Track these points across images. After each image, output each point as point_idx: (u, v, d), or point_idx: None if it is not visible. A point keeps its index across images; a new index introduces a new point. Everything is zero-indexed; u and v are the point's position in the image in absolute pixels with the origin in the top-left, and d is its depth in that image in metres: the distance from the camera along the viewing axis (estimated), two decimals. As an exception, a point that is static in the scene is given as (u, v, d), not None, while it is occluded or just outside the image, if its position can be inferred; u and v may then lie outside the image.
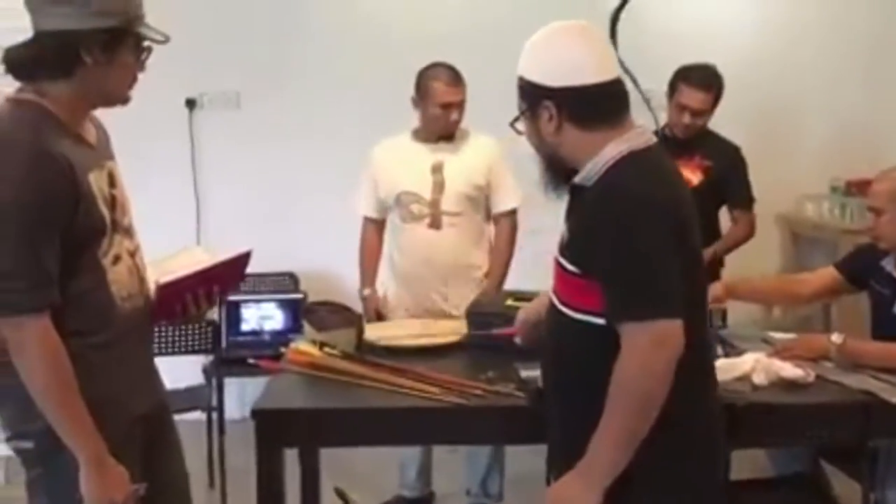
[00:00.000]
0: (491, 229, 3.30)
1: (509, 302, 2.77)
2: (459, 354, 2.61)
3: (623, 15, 3.10)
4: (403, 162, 3.21)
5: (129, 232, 1.90)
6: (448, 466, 3.52)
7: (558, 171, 1.81)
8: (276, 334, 3.99)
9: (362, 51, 4.26)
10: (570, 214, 1.82)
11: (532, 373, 2.25)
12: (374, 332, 2.75)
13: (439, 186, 3.16)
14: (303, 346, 2.54)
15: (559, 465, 1.85)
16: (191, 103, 4.30)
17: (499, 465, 3.33)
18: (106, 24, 1.74)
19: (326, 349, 2.51)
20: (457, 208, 3.16)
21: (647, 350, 1.63)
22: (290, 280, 4.28)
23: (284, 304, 4.06)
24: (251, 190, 4.31)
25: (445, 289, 3.17)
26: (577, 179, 1.77)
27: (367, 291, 3.31)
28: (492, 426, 2.25)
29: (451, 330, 2.77)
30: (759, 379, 2.28)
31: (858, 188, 4.01)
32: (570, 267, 1.76)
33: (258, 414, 2.17)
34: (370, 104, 4.10)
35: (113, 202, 1.84)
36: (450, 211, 3.15)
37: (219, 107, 4.33)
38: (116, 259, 1.84)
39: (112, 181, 1.87)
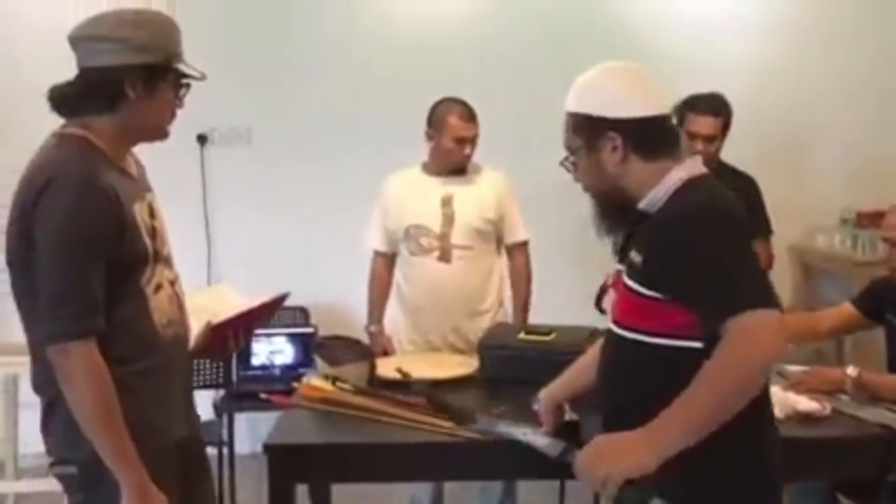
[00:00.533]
0: (501, 263, 3.30)
1: (521, 335, 2.77)
2: (472, 388, 2.60)
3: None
4: (413, 194, 3.22)
5: (168, 262, 1.97)
6: (460, 502, 3.49)
7: (617, 205, 1.83)
8: (287, 369, 3.99)
9: (374, 85, 4.29)
10: (635, 241, 1.80)
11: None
12: (387, 367, 2.74)
13: (449, 219, 3.16)
14: (315, 380, 2.53)
15: None
16: (202, 139, 4.34)
17: (511, 501, 3.30)
18: (147, 59, 1.83)
19: (339, 384, 2.50)
20: (467, 241, 3.15)
21: (754, 335, 1.61)
22: (300, 314, 4.27)
23: (295, 339, 4.06)
24: (262, 225, 4.32)
25: (455, 322, 3.16)
26: (641, 205, 1.79)
27: (373, 328, 3.31)
28: (505, 461, 2.21)
29: (463, 363, 2.76)
30: (774, 413, 2.25)
31: (870, 220, 4.00)
32: (645, 291, 1.74)
33: (270, 449, 2.16)
34: (382, 139, 4.13)
35: (153, 232, 1.91)
36: (459, 244, 3.14)
37: (230, 142, 4.36)
38: (158, 287, 1.90)
39: (152, 212, 1.94)
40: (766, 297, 1.65)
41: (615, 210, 1.84)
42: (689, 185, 1.76)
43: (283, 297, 2.22)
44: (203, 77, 1.91)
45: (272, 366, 4.04)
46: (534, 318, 3.05)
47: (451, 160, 3.18)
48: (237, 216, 4.34)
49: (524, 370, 2.56)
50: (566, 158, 1.87)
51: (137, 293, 1.85)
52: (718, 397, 1.63)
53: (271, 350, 4.06)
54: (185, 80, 1.91)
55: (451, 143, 3.15)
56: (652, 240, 1.75)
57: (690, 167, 1.80)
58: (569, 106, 1.85)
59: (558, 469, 1.98)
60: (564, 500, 3.45)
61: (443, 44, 4.30)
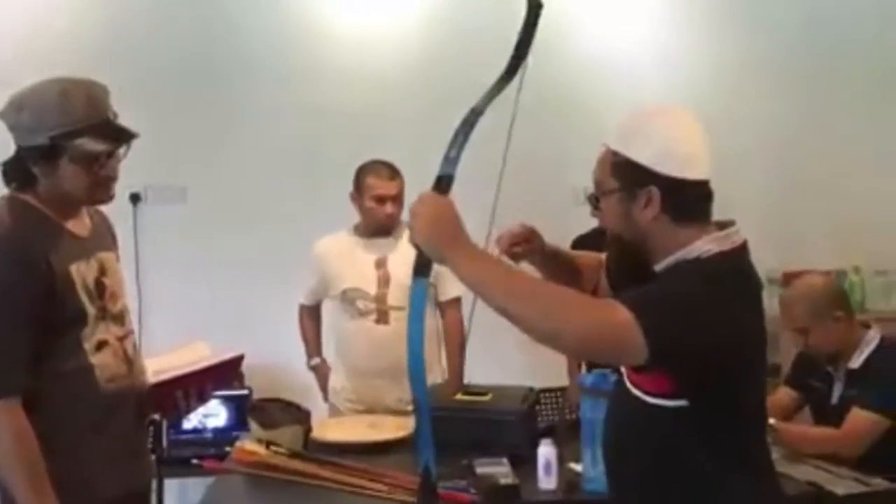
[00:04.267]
0: (438, 322, 3.31)
1: (459, 396, 2.77)
2: (408, 451, 2.58)
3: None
4: (346, 258, 3.23)
5: (118, 319, 2.03)
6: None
7: (633, 257, 1.70)
8: (220, 432, 3.91)
9: (308, 143, 4.29)
10: None
11: (488, 469, 2.24)
12: (322, 430, 2.71)
13: (384, 281, 3.17)
14: (248, 444, 2.50)
15: None
16: (135, 197, 4.28)
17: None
18: (34, 142, 1.89)
19: (273, 447, 2.47)
20: (403, 302, 3.14)
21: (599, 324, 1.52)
22: (234, 376, 4.20)
23: (228, 401, 3.97)
24: (195, 285, 4.25)
25: (394, 384, 3.10)
26: (658, 268, 1.68)
27: (315, 361, 3.39)
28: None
29: (400, 426, 2.75)
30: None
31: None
32: None
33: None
34: (316, 198, 4.11)
35: (101, 290, 1.98)
36: (396, 305, 3.14)
37: (164, 201, 4.31)
38: (102, 344, 1.97)
39: (103, 271, 2.00)
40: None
41: (630, 262, 1.71)
42: (716, 259, 1.64)
43: (238, 359, 2.26)
44: (107, 150, 1.93)
45: (205, 429, 3.95)
46: (475, 377, 3.05)
47: (376, 220, 3.20)
48: (170, 276, 4.26)
49: (462, 431, 2.55)
50: (594, 194, 1.74)
51: (76, 350, 1.92)
52: (528, 305, 1.54)
53: (204, 413, 3.96)
54: (91, 153, 1.91)
55: (372, 202, 3.17)
56: None
57: (722, 240, 1.67)
58: (613, 143, 1.69)
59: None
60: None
61: (378, 111, 4.32)
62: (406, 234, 3.20)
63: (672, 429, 1.65)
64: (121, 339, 2.02)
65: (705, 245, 1.65)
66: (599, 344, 1.55)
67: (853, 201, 4.44)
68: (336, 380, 3.31)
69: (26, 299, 1.84)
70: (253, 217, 4.30)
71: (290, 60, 4.35)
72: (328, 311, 3.40)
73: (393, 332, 3.12)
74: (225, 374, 2.28)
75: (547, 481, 2.21)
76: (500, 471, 2.26)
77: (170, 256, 4.28)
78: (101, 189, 1.97)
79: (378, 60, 4.37)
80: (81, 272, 1.94)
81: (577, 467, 2.26)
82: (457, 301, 3.27)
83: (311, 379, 3.49)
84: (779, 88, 4.51)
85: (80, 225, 2.02)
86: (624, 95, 4.17)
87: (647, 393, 1.67)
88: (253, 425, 2.64)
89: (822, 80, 4.54)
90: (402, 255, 3.18)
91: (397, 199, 3.19)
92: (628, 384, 1.74)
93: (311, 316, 3.44)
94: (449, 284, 3.23)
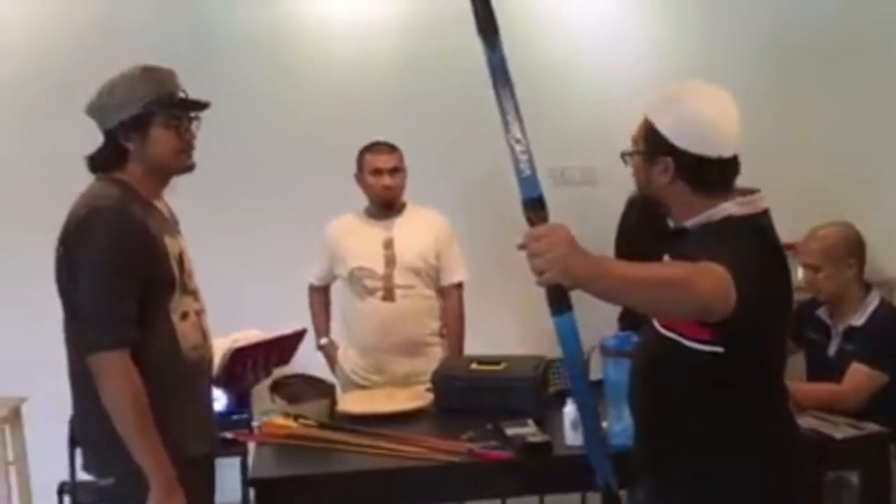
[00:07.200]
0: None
1: (474, 366, 2.90)
2: (429, 419, 2.70)
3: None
4: (355, 238, 3.34)
5: (195, 294, 2.19)
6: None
7: (657, 210, 1.92)
8: (220, 416, 3.96)
9: (309, 130, 4.29)
10: (677, 252, 1.86)
11: (517, 430, 2.38)
12: (345, 403, 2.81)
13: (391, 261, 3.29)
14: (277, 419, 2.57)
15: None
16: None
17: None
18: (124, 115, 2.08)
19: (301, 420, 2.56)
20: (409, 281, 3.28)
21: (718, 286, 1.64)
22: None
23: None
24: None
25: (403, 358, 3.28)
26: (687, 225, 1.87)
27: (324, 340, 3.50)
28: (487, 481, 2.33)
29: (414, 396, 2.87)
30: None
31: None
32: None
33: (257, 483, 2.23)
34: (323, 182, 4.03)
35: (182, 265, 2.14)
36: (402, 284, 3.27)
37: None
38: (184, 315, 2.12)
39: (182, 250, 2.17)
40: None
41: (655, 212, 1.93)
42: (736, 220, 1.81)
43: (301, 333, 2.39)
44: (198, 107, 2.14)
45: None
46: (480, 350, 3.18)
47: (376, 195, 3.31)
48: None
49: (478, 399, 2.69)
50: (630, 154, 1.92)
51: (165, 318, 2.06)
52: (663, 292, 1.63)
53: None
54: (179, 115, 2.11)
55: (371, 177, 3.29)
56: (689, 250, 1.80)
57: (746, 205, 1.84)
58: (647, 108, 1.88)
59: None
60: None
61: (376, 88, 4.32)
62: (408, 211, 3.34)
63: (704, 369, 1.80)
64: (198, 312, 2.17)
65: (731, 208, 1.83)
66: (721, 302, 1.64)
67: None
68: (345, 356, 3.42)
69: (136, 262, 2.00)
70: (259, 201, 4.19)
71: (280, 49, 4.36)
72: (336, 290, 3.51)
73: (399, 308, 3.27)
74: (288, 347, 2.41)
75: (574, 437, 2.32)
76: (528, 430, 2.39)
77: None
78: (186, 154, 2.15)
79: (367, 50, 4.39)
80: (171, 245, 2.11)
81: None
82: (459, 286, 3.41)
83: (313, 359, 3.57)
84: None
85: (163, 207, 2.21)
86: (597, 80, 4.31)
87: (683, 336, 1.81)
88: (277, 400, 2.71)
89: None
90: (408, 236, 3.32)
91: (395, 171, 3.29)
92: (661, 329, 1.88)
93: (320, 297, 3.53)
94: (454, 268, 3.38)
